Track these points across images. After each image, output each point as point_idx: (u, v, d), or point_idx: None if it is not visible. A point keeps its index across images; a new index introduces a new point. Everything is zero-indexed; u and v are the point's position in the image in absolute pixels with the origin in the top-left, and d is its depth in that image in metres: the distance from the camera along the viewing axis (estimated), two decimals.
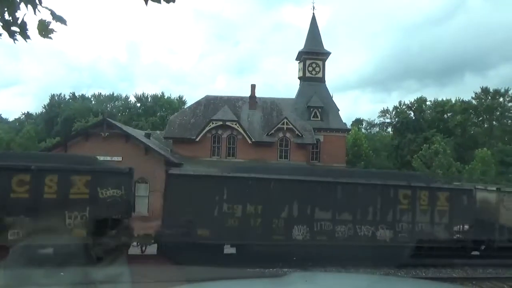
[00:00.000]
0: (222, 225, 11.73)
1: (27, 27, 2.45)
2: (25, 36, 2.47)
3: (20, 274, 8.42)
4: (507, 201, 13.57)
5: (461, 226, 13.79)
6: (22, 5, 2.39)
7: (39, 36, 2.51)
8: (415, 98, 62.51)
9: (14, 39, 2.46)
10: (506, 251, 13.22)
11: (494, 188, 14.34)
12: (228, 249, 12.64)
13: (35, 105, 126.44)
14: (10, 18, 2.40)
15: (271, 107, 30.52)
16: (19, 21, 2.43)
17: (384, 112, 67.66)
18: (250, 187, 12.08)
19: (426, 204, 12.95)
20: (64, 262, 9.11)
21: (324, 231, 12.27)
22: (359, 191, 12.68)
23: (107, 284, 6.55)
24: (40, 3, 2.41)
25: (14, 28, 2.44)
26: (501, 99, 55.71)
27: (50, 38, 2.53)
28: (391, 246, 12.57)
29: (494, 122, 56.69)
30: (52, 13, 2.43)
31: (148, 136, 28.64)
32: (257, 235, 11.95)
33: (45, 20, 2.48)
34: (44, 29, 2.48)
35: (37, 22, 2.47)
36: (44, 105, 70.85)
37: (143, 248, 12.06)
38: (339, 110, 33.89)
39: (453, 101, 59.13)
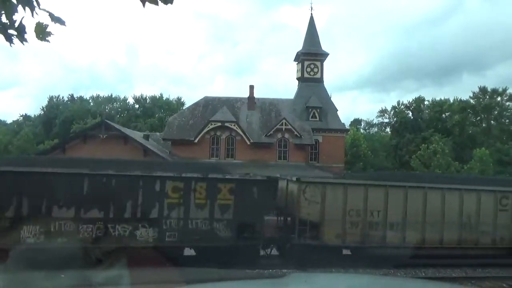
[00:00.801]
0: None
1: (25, 30, 2.45)
2: (23, 39, 2.46)
3: (20, 277, 8.39)
4: (309, 192, 12.42)
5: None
6: (20, 8, 2.38)
7: (37, 39, 2.50)
8: (414, 98, 62.70)
9: (11, 43, 2.46)
10: (306, 248, 12.03)
11: (295, 179, 13.02)
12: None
13: (34, 107, 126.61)
14: (7, 21, 2.39)
15: (270, 107, 30.54)
16: (16, 24, 2.42)
17: (383, 112, 67.96)
18: None
19: (204, 198, 11.55)
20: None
21: (65, 231, 10.65)
22: (113, 184, 11.15)
23: (106, 286, 6.53)
24: (38, 5, 2.40)
25: (11, 31, 2.43)
26: (499, 98, 55.82)
27: (48, 41, 2.52)
28: (156, 247, 11.13)
29: (492, 121, 56.78)
30: (51, 15, 2.43)
31: (146, 137, 28.67)
32: None
33: (43, 23, 2.47)
34: (42, 32, 2.48)
35: (35, 25, 2.46)
36: (42, 107, 70.63)
37: None
38: (337, 111, 33.95)
39: (451, 101, 59.24)
